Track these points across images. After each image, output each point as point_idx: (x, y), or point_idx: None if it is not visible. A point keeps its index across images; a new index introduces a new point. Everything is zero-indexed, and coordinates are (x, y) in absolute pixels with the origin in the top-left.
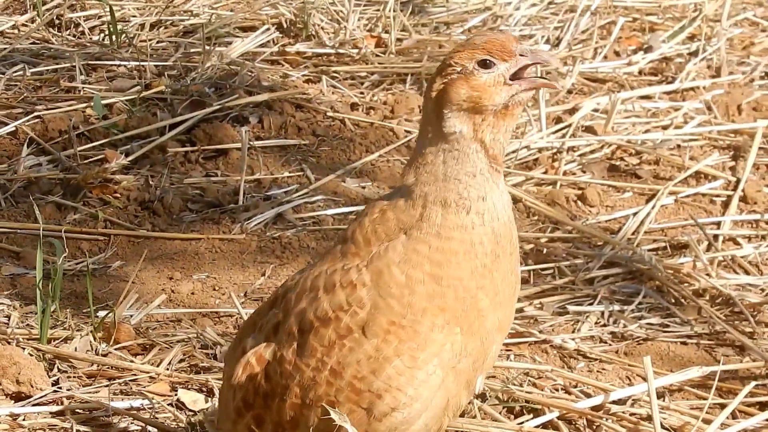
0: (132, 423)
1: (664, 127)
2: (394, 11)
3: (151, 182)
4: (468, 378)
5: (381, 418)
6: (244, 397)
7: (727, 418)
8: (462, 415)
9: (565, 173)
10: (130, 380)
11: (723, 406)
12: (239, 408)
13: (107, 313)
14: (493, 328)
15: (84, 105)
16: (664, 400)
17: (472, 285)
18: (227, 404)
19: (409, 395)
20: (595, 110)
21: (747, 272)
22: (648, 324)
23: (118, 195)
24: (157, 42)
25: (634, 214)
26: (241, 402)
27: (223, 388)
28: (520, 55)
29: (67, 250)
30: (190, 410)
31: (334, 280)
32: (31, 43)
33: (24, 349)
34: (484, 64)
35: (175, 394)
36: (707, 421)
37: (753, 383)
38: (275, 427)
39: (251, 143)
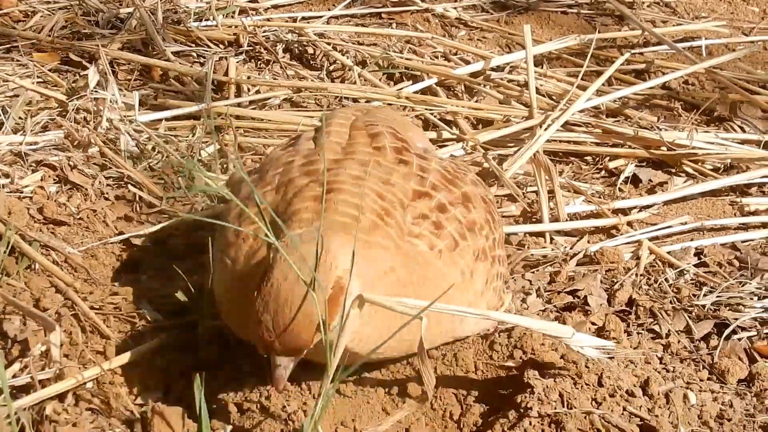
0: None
1: None
2: None
3: None
4: None
5: None
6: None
7: (603, 84)
8: (342, 81)
9: None
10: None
11: (600, 74)
12: None
13: None
14: None
15: None
16: (542, 68)
17: None
18: None
19: None
20: None
21: None
22: None
23: None
24: None
25: None
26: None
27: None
28: None
29: None
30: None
31: None
32: None
33: None
34: None
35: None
36: (583, 88)
37: (630, 52)
38: None
39: None
